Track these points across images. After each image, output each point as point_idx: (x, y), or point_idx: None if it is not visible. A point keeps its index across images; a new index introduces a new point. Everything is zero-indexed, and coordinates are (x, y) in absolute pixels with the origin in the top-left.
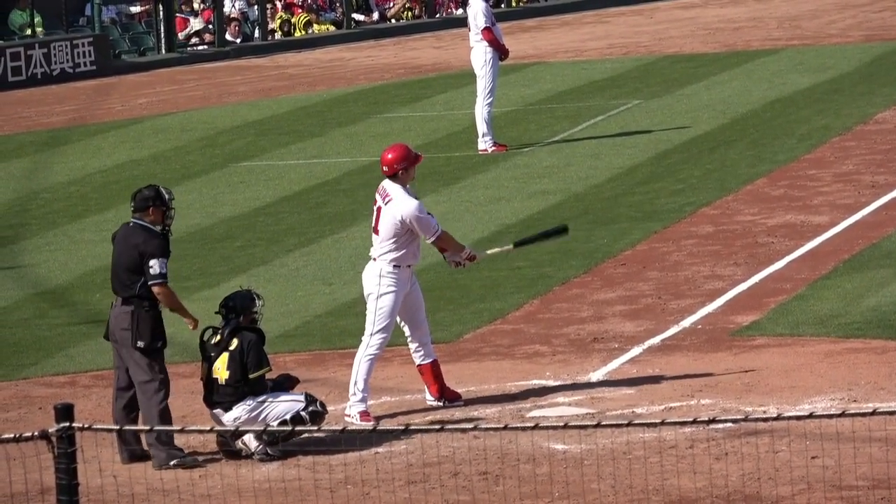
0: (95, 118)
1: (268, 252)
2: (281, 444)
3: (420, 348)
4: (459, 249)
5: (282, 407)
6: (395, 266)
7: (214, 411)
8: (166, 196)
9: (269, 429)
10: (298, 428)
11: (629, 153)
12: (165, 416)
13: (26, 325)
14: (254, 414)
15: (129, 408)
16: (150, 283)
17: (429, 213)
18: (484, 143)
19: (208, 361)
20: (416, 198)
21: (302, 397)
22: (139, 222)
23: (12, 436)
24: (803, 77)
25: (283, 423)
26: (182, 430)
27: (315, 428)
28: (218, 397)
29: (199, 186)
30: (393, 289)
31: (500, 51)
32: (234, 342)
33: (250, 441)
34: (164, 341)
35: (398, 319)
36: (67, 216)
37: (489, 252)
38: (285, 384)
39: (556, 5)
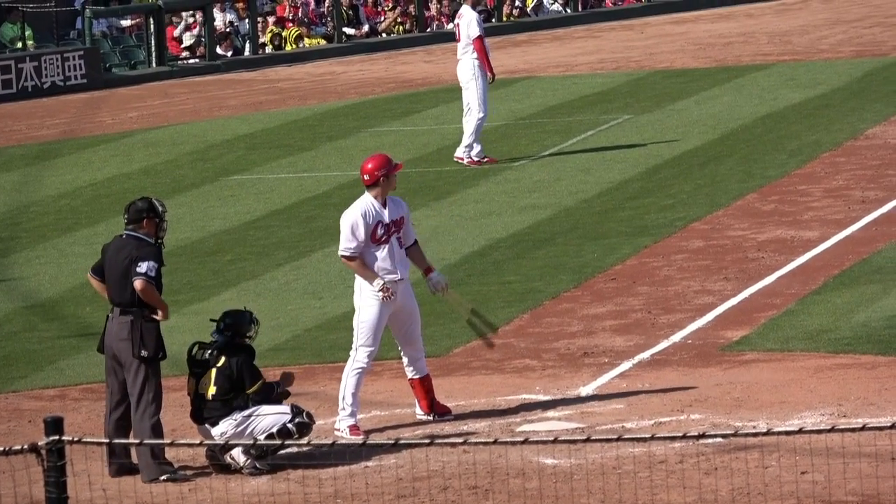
0: (86, 131)
1: (258, 266)
2: (269, 457)
3: (411, 364)
4: (370, 279)
5: (268, 420)
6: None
7: (201, 426)
8: (159, 208)
9: (257, 443)
10: (288, 442)
11: (619, 168)
12: (157, 430)
13: (16, 338)
14: (240, 428)
15: (122, 422)
16: (134, 277)
17: (358, 240)
18: (463, 152)
19: (195, 377)
20: (366, 211)
21: (288, 409)
22: (132, 234)
23: (1, 449)
24: (794, 92)
25: (271, 436)
26: (172, 444)
27: (304, 441)
28: (205, 412)
29: (190, 200)
30: (373, 302)
31: (485, 67)
32: (222, 359)
33: (238, 455)
34: (165, 353)
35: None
36: (58, 229)
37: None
38: (283, 384)
39: (546, 20)
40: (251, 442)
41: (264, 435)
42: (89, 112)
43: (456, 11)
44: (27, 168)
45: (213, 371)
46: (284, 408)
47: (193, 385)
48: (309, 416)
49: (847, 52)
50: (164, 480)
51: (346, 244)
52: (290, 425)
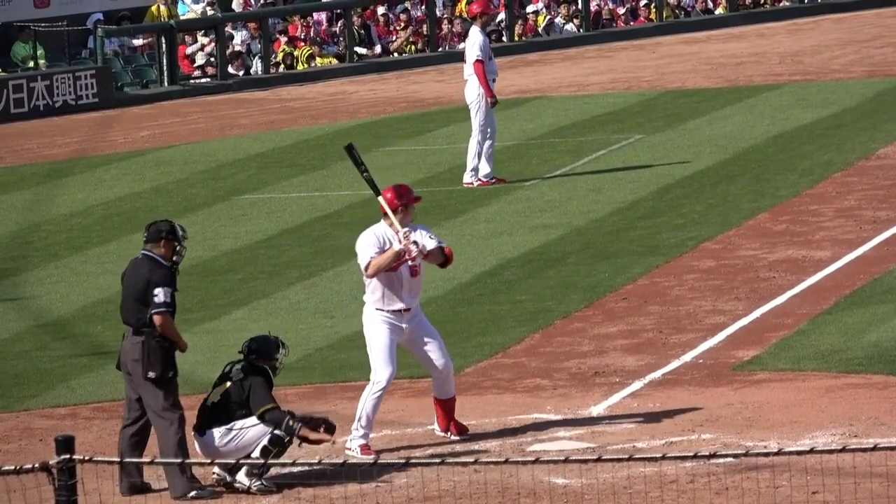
0: (97, 150)
1: (269, 285)
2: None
3: (435, 385)
4: (393, 255)
5: (252, 433)
6: (376, 309)
7: (196, 433)
8: (180, 232)
9: (269, 462)
10: (300, 461)
11: (631, 187)
12: (183, 447)
13: (27, 356)
14: (225, 441)
15: (136, 439)
16: (152, 311)
17: (375, 252)
18: (469, 177)
19: (213, 388)
20: (378, 235)
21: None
22: (148, 254)
23: (13, 467)
24: (805, 112)
25: (267, 451)
26: (182, 463)
27: (316, 460)
28: (202, 417)
29: (201, 219)
30: (376, 331)
31: (484, 90)
32: (241, 375)
33: (243, 478)
34: (176, 371)
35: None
36: (69, 248)
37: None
38: (302, 424)
39: (558, 39)
40: (261, 461)
41: (257, 449)
42: (101, 131)
43: (468, 31)
44: (39, 187)
45: (228, 384)
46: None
47: (207, 395)
48: (291, 413)
49: (859, 73)
50: (192, 497)
51: (362, 257)
52: (278, 432)
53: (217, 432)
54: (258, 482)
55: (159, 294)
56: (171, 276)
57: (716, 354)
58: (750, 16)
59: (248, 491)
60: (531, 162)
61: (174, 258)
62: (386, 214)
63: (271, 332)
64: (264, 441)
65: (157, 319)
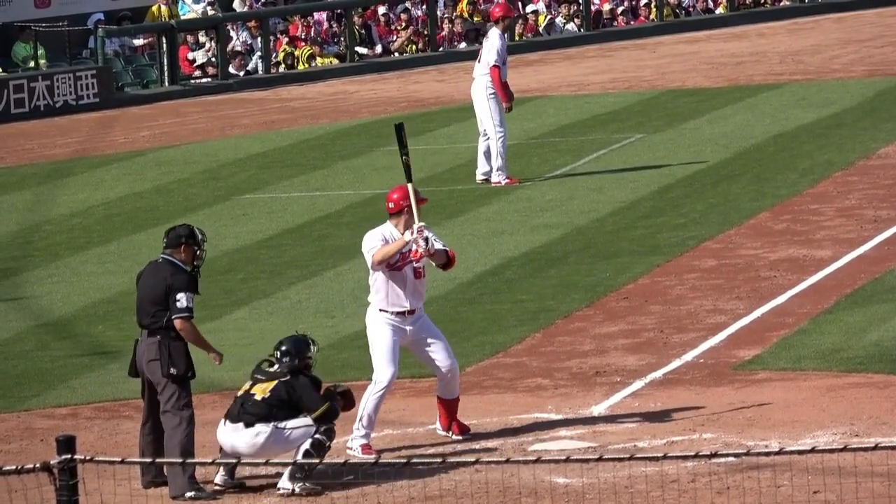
0: (98, 150)
1: (270, 285)
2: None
3: (440, 386)
4: (402, 245)
5: (296, 434)
6: (379, 310)
7: (234, 424)
8: (199, 236)
9: (274, 462)
10: (301, 461)
11: (632, 187)
12: (188, 447)
13: (28, 356)
14: (267, 442)
15: (152, 437)
16: (174, 316)
17: (379, 246)
18: (497, 177)
19: (252, 381)
20: (384, 234)
21: (311, 421)
22: (169, 258)
23: (14, 467)
24: (806, 112)
25: (308, 454)
26: (183, 463)
27: (317, 461)
28: (245, 409)
29: (202, 219)
30: (378, 331)
31: (500, 95)
32: (289, 376)
33: (286, 483)
34: (194, 371)
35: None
36: (70, 248)
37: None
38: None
39: (559, 39)
40: (262, 462)
41: (300, 453)
42: (101, 131)
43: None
44: (40, 187)
45: (277, 381)
46: (308, 420)
47: (247, 387)
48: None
49: (859, 72)
50: (189, 498)
51: (368, 248)
52: (319, 436)
53: (262, 429)
54: (302, 484)
55: (181, 299)
56: (193, 280)
57: (717, 354)
58: (750, 15)
59: (291, 494)
60: (532, 161)
61: (195, 262)
62: (405, 209)
63: (298, 330)
64: (306, 445)
65: (178, 324)
